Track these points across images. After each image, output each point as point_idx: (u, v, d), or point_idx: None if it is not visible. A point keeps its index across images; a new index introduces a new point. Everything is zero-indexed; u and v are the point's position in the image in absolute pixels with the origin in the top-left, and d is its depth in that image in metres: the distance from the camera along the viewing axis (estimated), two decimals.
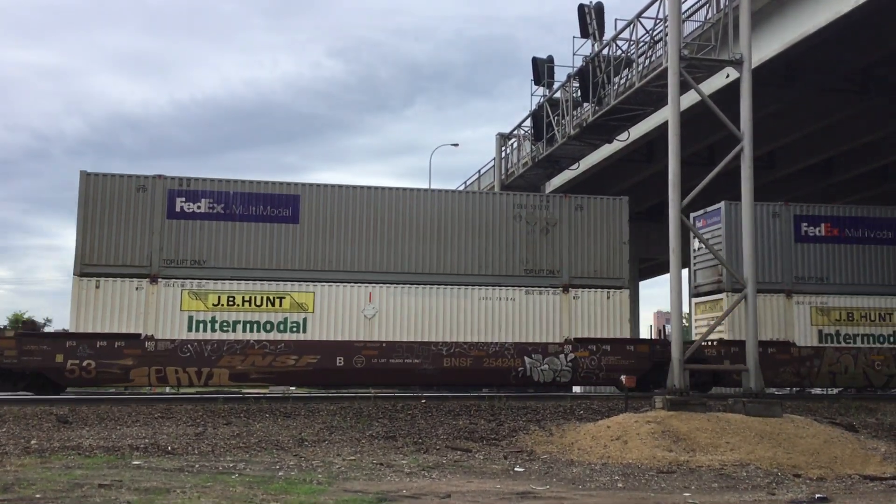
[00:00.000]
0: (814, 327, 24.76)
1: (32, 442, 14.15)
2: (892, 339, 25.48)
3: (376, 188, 23.43)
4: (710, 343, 24.51)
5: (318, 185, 23.04)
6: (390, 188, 23.55)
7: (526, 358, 23.12)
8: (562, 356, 23.28)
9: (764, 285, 24.27)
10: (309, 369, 22.11)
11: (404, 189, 23.64)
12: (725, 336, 24.50)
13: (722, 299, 24.77)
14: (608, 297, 23.78)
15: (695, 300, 26.41)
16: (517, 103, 46.76)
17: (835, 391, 28.42)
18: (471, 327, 23.12)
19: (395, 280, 22.91)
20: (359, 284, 22.69)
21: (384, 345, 22.56)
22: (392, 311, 22.80)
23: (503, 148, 30.92)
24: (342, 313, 22.53)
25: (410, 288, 22.94)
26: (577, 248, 23.86)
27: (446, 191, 23.91)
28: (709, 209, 26.08)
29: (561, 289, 23.56)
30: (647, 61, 20.77)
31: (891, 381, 25.47)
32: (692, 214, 26.93)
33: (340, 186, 23.18)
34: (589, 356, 23.41)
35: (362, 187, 23.33)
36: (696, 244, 26.42)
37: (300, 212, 22.70)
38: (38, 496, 9.24)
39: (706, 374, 23.95)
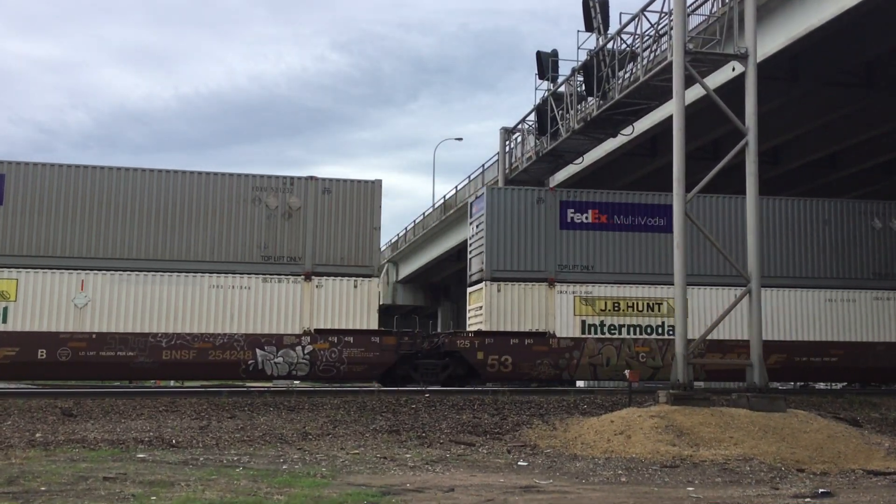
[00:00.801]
0: (577, 317, 23.44)
1: (37, 435, 14.21)
2: (660, 329, 24.06)
3: (92, 167, 21.79)
4: (466, 334, 23.96)
5: (26, 164, 21.38)
6: (109, 167, 21.91)
7: (258, 350, 21.66)
8: (298, 348, 21.88)
9: (524, 274, 23.71)
10: (6, 363, 20.40)
11: (126, 169, 21.93)
12: (483, 327, 23.71)
13: (482, 288, 23.91)
14: (356, 286, 22.42)
15: (469, 289, 25.62)
16: (521, 97, 46.60)
17: (838, 386, 28.24)
18: (199, 317, 21.53)
19: (112, 266, 21.27)
20: (70, 271, 21.01)
21: (94, 336, 20.83)
22: (107, 300, 21.10)
23: (507, 142, 30.80)
24: (49, 302, 20.81)
25: (130, 275, 21.31)
26: (322, 233, 22.49)
27: (173, 171, 22.10)
28: (478, 194, 25.09)
29: (303, 277, 22.13)
30: (652, 55, 20.69)
31: (657, 373, 23.93)
32: (469, 201, 26.29)
33: (52, 165, 21.56)
34: (329, 348, 21.97)
35: (77, 166, 21.71)
36: (469, 231, 25.74)
37: (4, 192, 20.95)
38: (42, 489, 9.28)
39: (463, 366, 23.38)
